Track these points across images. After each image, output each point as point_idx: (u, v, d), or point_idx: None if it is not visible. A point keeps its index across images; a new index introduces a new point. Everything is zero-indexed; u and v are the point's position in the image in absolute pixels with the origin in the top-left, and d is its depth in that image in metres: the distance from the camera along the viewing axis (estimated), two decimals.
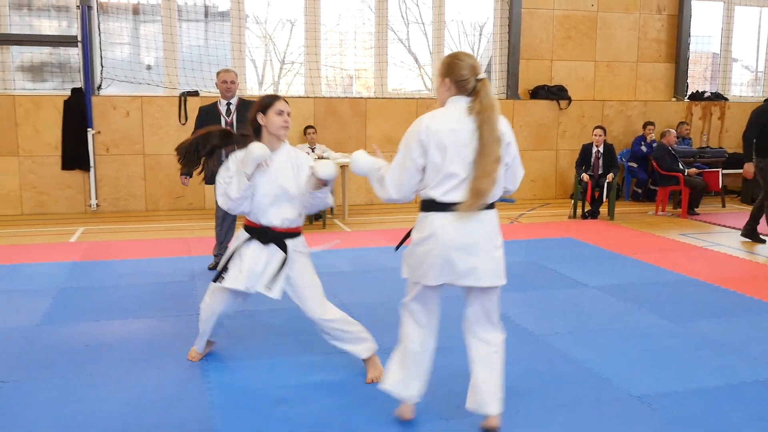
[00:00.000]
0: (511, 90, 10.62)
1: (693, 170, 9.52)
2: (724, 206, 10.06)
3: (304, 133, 9.39)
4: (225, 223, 5.87)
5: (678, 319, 4.65)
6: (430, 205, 2.83)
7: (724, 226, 8.39)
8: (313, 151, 9.05)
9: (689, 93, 11.60)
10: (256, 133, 3.52)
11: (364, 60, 10.80)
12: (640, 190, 10.63)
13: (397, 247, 3.25)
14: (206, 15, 10.33)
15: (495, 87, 10.71)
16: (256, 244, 3.49)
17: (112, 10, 9.59)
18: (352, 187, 9.88)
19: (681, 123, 11.02)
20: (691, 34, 11.36)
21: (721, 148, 11.19)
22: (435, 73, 2.92)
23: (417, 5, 11.00)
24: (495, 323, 3.01)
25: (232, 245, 3.63)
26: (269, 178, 3.44)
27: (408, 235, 3.04)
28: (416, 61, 11.44)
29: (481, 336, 3.00)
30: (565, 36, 10.87)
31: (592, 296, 5.28)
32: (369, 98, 10.19)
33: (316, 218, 8.54)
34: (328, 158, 8.92)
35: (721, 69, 12.08)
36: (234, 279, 3.47)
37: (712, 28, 12.05)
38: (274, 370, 3.75)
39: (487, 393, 2.94)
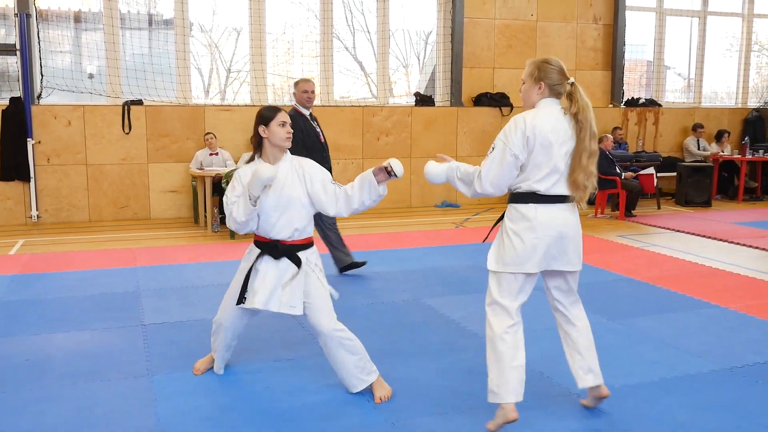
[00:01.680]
0: (455, 97, 10.75)
1: (629, 174, 9.80)
2: (659, 208, 10.37)
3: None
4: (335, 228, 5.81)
5: (616, 316, 4.78)
6: (532, 197, 3.00)
7: (659, 227, 8.65)
8: None
9: (625, 99, 11.94)
10: (259, 146, 3.42)
11: (311, 68, 10.78)
12: None
13: (485, 239, 3.33)
14: (150, 23, 10.17)
15: (439, 95, 10.83)
16: (268, 260, 3.39)
17: (52, 17, 9.35)
18: None
19: (615, 128, 11.32)
20: (626, 43, 11.70)
21: (655, 152, 11.53)
22: (525, 76, 3.11)
23: (362, 14, 11.06)
24: (580, 302, 3.25)
25: (243, 263, 3.50)
26: (275, 191, 3.34)
27: (494, 226, 3.18)
28: (362, 69, 11.48)
29: (574, 315, 3.23)
30: (506, 45, 11.06)
31: (534, 297, 5.35)
32: (315, 106, 10.16)
33: None
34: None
35: (655, 76, 12.47)
36: (251, 298, 3.37)
37: (646, 37, 12.44)
38: (222, 379, 3.71)
39: (594, 365, 3.20)
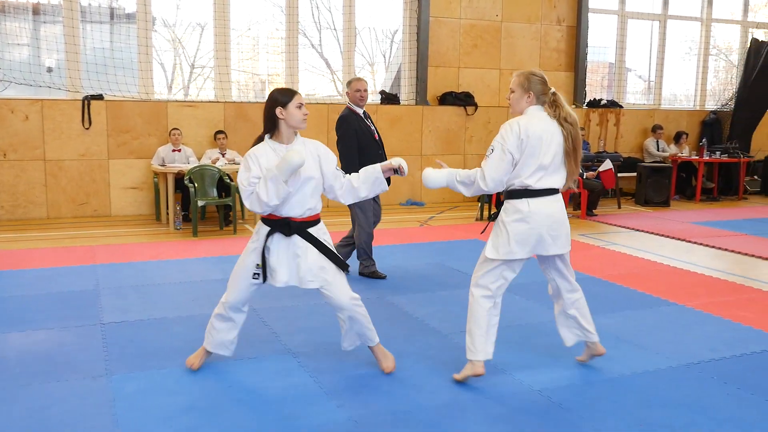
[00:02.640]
0: (420, 96, 10.78)
1: (591, 174, 9.93)
2: (619, 207, 10.54)
3: (215, 138, 9.21)
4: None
5: None
6: (525, 193, 3.45)
7: (619, 226, 8.79)
8: (223, 157, 8.89)
9: (587, 100, 12.10)
10: (273, 127, 3.47)
11: (277, 65, 10.70)
12: None
13: (483, 231, 3.82)
14: (111, 17, 9.98)
15: (404, 93, 10.84)
16: (279, 238, 3.47)
17: (9, 10, 9.13)
18: None
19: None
20: (588, 45, 11.85)
21: (617, 152, 11.71)
22: (515, 86, 3.56)
23: (329, 11, 11.01)
24: (572, 276, 3.71)
25: (252, 243, 3.55)
26: None
27: (489, 220, 3.60)
28: (328, 66, 11.44)
29: (567, 289, 3.68)
30: (471, 44, 11.12)
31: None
32: None
33: (227, 223, 8.40)
34: (239, 163, 8.80)
35: (616, 78, 12.67)
36: (272, 276, 3.47)
37: (608, 40, 12.63)
38: (183, 378, 3.66)
39: (590, 326, 3.72)
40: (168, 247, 7.14)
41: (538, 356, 4.03)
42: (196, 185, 8.04)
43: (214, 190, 8.28)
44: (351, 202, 3.65)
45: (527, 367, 3.85)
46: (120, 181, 9.18)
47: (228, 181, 8.25)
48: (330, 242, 3.58)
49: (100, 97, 9.04)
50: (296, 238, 3.46)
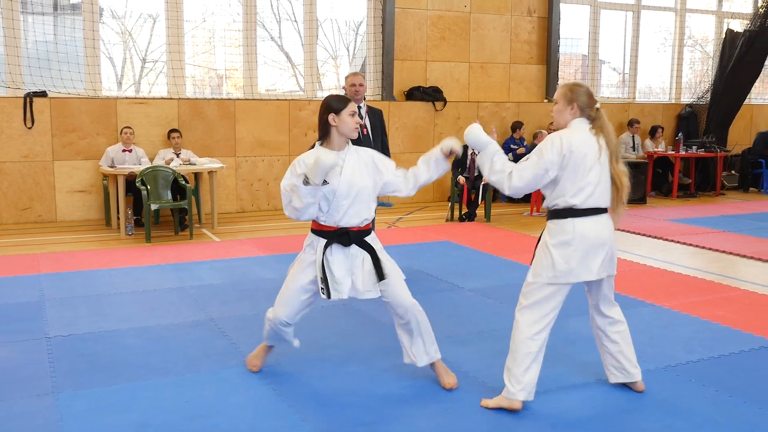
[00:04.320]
0: (386, 91, 10.80)
1: None
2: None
3: (168, 138, 9.11)
4: None
5: None
6: (570, 213, 3.37)
7: None
8: (177, 157, 8.80)
9: None
10: (325, 134, 3.56)
11: (235, 59, 10.63)
12: None
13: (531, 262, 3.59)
14: (55, 8, 9.83)
15: (370, 88, 10.85)
16: (338, 249, 3.54)
17: None
18: (222, 195, 9.70)
19: (550, 124, 11.59)
20: (560, 37, 11.99)
21: None
22: (558, 98, 3.50)
23: (289, 1, 10.98)
24: (615, 302, 3.63)
25: (308, 253, 3.61)
26: (346, 180, 3.50)
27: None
28: (289, 60, 11.41)
29: (611, 316, 3.60)
30: (439, 37, 11.18)
31: (468, 298, 5.46)
32: (238, 99, 10.05)
33: (183, 228, 8.32)
34: (194, 164, 8.73)
35: (590, 71, 12.84)
36: (337, 289, 3.53)
37: (581, 31, 12.79)
38: (136, 394, 3.62)
39: (630, 363, 3.62)
40: (119, 254, 7.05)
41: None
42: (148, 188, 7.95)
43: (168, 193, 8.19)
44: (415, 191, 3.72)
45: (495, 371, 3.87)
46: (66, 184, 9.03)
47: (183, 182, 8.17)
48: (382, 249, 3.65)
49: (43, 94, 8.88)
50: (354, 247, 3.55)
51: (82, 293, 5.53)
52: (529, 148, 10.30)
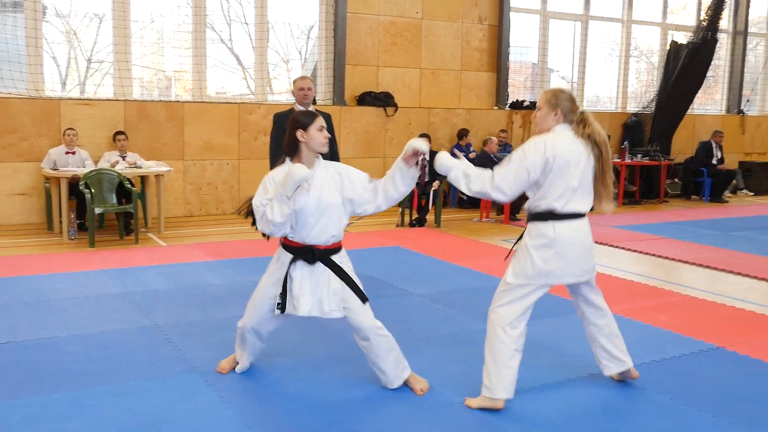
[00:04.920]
0: (338, 96, 10.80)
1: None
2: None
3: (114, 140, 8.95)
4: None
5: None
6: (550, 216, 3.43)
7: None
8: (123, 160, 8.65)
9: (510, 101, 12.42)
10: (294, 150, 3.54)
11: (184, 61, 10.49)
12: (465, 197, 11.21)
13: (506, 258, 3.70)
14: None
15: (321, 93, 10.84)
16: (302, 266, 3.53)
17: None
18: (169, 199, 9.56)
19: (500, 131, 11.76)
20: (510, 45, 12.17)
21: None
22: (541, 103, 3.55)
23: (240, 3, 10.90)
24: (601, 301, 3.72)
25: (275, 267, 3.63)
26: (314, 196, 3.48)
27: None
28: (239, 62, 11.31)
29: (595, 315, 3.70)
30: (390, 42, 11.24)
31: (417, 304, 5.50)
32: (186, 102, 9.92)
33: (128, 232, 8.18)
34: (140, 167, 8.59)
35: (539, 79, 13.06)
36: (294, 305, 3.54)
37: (531, 39, 13.01)
38: (75, 404, 3.54)
39: (621, 351, 3.74)
40: (61, 259, 6.89)
41: (459, 367, 4.10)
42: (92, 191, 7.79)
43: (113, 197, 8.04)
44: (387, 206, 3.67)
45: (448, 379, 3.91)
46: (6, 186, 8.78)
47: (129, 186, 8.03)
48: (352, 269, 3.64)
49: None
50: (319, 266, 3.53)
51: (22, 299, 5.39)
52: (480, 155, 10.43)
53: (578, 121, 3.50)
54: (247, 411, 3.48)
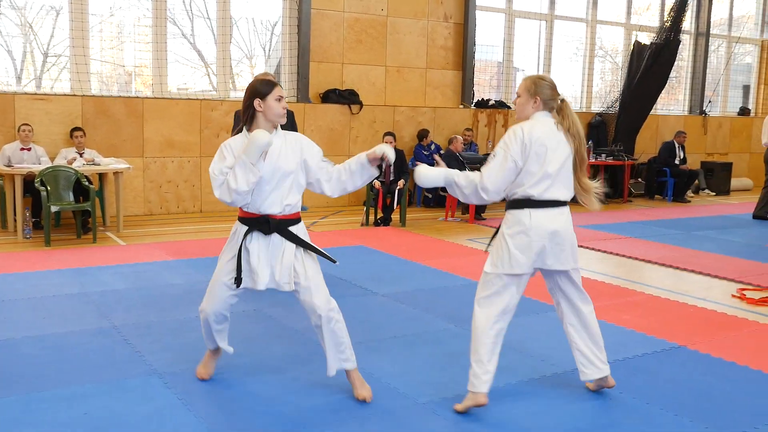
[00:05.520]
0: (302, 93, 10.75)
1: None
2: None
3: (71, 136, 8.78)
4: None
5: (464, 322, 4.96)
6: (527, 203, 3.41)
7: None
8: (81, 157, 8.50)
9: (476, 100, 12.48)
10: (250, 119, 3.46)
11: (145, 56, 10.35)
12: (431, 196, 11.24)
13: (487, 248, 3.63)
14: None
15: (285, 90, 10.78)
16: (258, 237, 3.45)
17: None
18: (128, 197, 9.43)
19: (465, 129, 11.81)
20: (476, 43, 12.24)
21: None
22: (521, 91, 3.55)
23: None
24: (581, 299, 3.65)
25: (231, 242, 3.54)
26: (270, 163, 3.39)
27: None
28: (202, 58, 11.20)
29: (574, 310, 3.65)
30: (355, 39, 11.22)
31: (382, 304, 5.49)
32: (146, 98, 9.79)
33: (85, 231, 8.04)
34: (98, 164, 8.45)
35: (505, 78, 13.15)
36: (252, 279, 3.45)
37: (497, 38, 13.09)
38: (30, 407, 3.47)
39: (599, 359, 3.66)
40: (15, 259, 6.75)
41: (424, 368, 4.11)
42: (48, 188, 7.64)
43: (70, 194, 7.90)
44: (338, 195, 3.63)
45: (412, 379, 3.91)
46: None
47: (86, 183, 7.89)
48: (309, 240, 3.54)
49: None
50: (275, 236, 3.45)
51: None
52: (445, 154, 10.46)
53: (558, 109, 3.52)
54: (208, 414, 3.44)
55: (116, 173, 8.46)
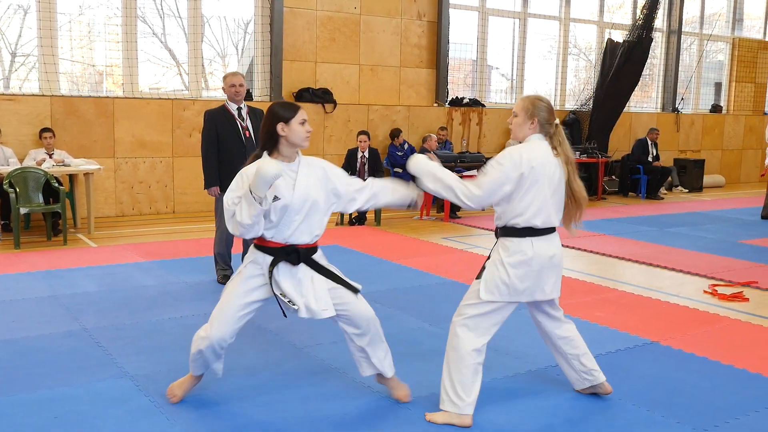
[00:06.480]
0: (275, 92, 10.72)
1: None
2: (483, 209, 10.99)
3: (40, 137, 8.68)
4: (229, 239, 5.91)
5: (438, 321, 5.00)
6: (529, 232, 3.38)
7: (483, 228, 9.18)
8: (50, 158, 8.40)
9: (450, 99, 12.53)
10: (272, 144, 3.35)
11: (116, 55, 10.25)
12: None
13: (478, 277, 3.50)
14: None
15: (258, 89, 10.74)
16: (286, 267, 3.34)
17: None
18: (100, 198, 9.34)
19: (440, 128, 11.85)
20: (450, 41, 12.28)
21: (479, 152, 12.22)
22: (518, 110, 3.46)
23: None
24: (561, 314, 3.69)
25: (251, 269, 3.39)
26: (301, 194, 3.31)
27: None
28: (173, 57, 11.12)
29: (557, 327, 3.66)
30: (329, 38, 11.21)
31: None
32: (117, 98, 9.70)
33: (56, 233, 7.95)
34: (68, 165, 8.36)
35: (479, 76, 13.22)
36: (291, 308, 3.33)
37: (470, 36, 13.15)
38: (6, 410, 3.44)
39: (589, 365, 3.68)
40: None
41: (398, 366, 4.11)
42: (17, 190, 7.55)
43: (40, 196, 7.81)
44: (368, 209, 3.58)
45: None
46: None
47: (56, 185, 7.81)
48: (330, 266, 3.49)
49: None
50: (302, 266, 3.36)
51: None
52: (419, 152, 10.49)
53: (553, 134, 3.46)
54: (180, 417, 3.43)
55: (87, 174, 8.38)
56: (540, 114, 3.43)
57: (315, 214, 3.38)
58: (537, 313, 3.66)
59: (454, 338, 3.43)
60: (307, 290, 3.34)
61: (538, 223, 3.38)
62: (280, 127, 3.32)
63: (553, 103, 14.02)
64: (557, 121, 3.50)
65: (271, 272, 3.31)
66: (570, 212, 3.55)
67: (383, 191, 3.54)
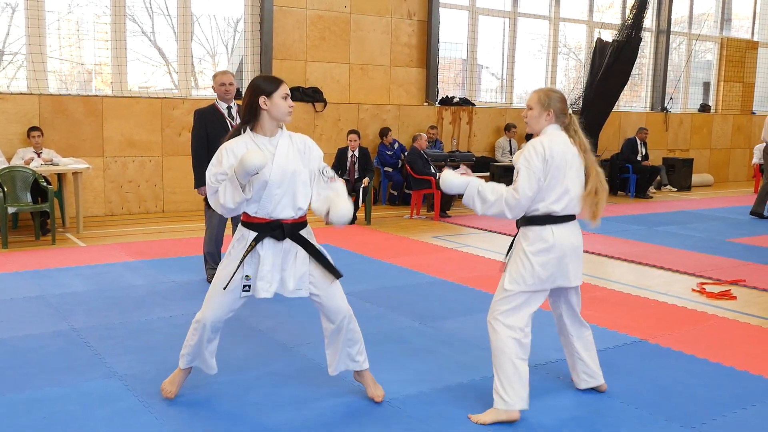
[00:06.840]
0: None
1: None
2: None
3: (28, 136, 8.63)
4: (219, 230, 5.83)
5: (427, 319, 5.02)
6: (549, 219, 3.43)
7: (473, 227, 9.20)
8: (38, 157, 8.36)
9: (440, 98, 12.54)
10: (254, 117, 3.31)
11: (105, 54, 10.21)
12: (396, 193, 11.28)
13: (503, 270, 3.59)
14: None
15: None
16: (271, 243, 3.31)
17: None
18: (89, 197, 9.30)
19: (430, 127, 11.86)
20: (440, 41, 12.30)
21: (469, 151, 12.24)
22: (533, 103, 3.52)
23: None
24: (583, 320, 3.76)
25: (237, 249, 3.35)
26: (279, 167, 3.26)
27: (509, 251, 3.53)
28: (163, 56, 11.09)
29: (579, 323, 3.72)
30: (319, 37, 11.20)
31: None
32: (106, 96, 9.67)
33: (44, 233, 7.92)
34: (57, 164, 8.32)
35: (469, 75, 13.24)
36: (263, 287, 3.30)
37: (461, 36, 13.17)
38: None
39: (597, 367, 3.76)
40: None
41: (387, 365, 4.13)
42: (5, 189, 7.52)
43: (28, 195, 7.77)
44: (322, 213, 3.36)
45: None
46: None
47: (45, 184, 7.77)
48: (319, 245, 3.45)
49: None
50: (288, 242, 3.34)
51: None
52: (409, 152, 10.50)
53: (567, 124, 3.53)
54: (169, 417, 3.42)
55: (75, 173, 8.34)
56: (555, 105, 3.49)
57: (296, 185, 3.32)
58: (561, 305, 3.70)
59: (492, 335, 3.48)
60: (288, 265, 3.34)
61: (558, 209, 3.42)
62: (262, 100, 3.29)
63: None
64: (570, 111, 3.55)
65: (252, 247, 3.30)
66: (591, 202, 3.53)
67: (335, 206, 3.31)
